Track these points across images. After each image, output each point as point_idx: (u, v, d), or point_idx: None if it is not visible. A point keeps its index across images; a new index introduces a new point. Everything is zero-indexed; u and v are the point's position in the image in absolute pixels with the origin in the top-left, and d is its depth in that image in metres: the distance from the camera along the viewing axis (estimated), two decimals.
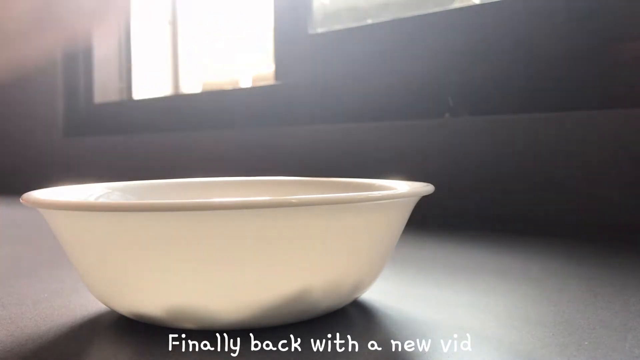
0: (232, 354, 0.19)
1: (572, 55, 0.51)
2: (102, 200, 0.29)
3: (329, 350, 0.19)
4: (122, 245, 0.20)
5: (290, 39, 0.74)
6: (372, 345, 0.20)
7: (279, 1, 0.76)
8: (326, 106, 0.67)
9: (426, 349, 0.19)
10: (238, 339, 0.20)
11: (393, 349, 0.19)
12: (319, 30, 0.73)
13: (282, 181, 0.34)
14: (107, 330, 0.22)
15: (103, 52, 0.99)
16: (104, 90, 1.00)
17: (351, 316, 0.23)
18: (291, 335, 0.21)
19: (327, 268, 0.21)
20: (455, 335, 0.21)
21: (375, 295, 0.26)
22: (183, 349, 0.20)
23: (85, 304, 0.26)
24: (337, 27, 0.71)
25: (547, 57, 0.53)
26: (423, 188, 0.23)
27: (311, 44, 0.72)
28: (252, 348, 0.20)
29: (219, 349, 0.20)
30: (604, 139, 0.49)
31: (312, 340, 0.20)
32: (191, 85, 1.00)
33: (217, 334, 0.21)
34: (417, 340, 0.20)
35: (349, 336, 0.21)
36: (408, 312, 0.24)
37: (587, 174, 0.50)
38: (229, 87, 0.86)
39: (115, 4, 0.83)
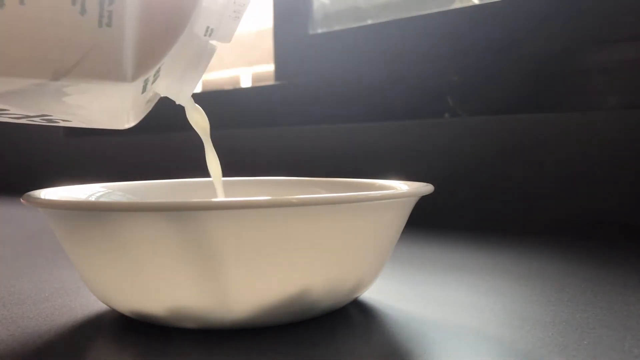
0: (232, 354, 0.19)
1: (572, 54, 0.51)
2: (102, 200, 0.29)
3: (329, 350, 0.19)
4: (122, 245, 0.20)
5: (290, 39, 0.74)
6: (372, 345, 0.20)
7: (279, 1, 0.76)
8: (326, 106, 0.67)
9: (426, 349, 0.19)
10: (238, 338, 0.20)
11: (393, 349, 0.20)
12: (319, 30, 0.73)
13: (282, 181, 0.34)
14: (107, 329, 0.22)
15: None
16: None
17: (351, 316, 0.23)
18: (291, 335, 0.21)
19: (327, 268, 0.21)
20: (455, 335, 0.21)
21: (375, 295, 0.26)
22: (183, 349, 0.20)
23: (86, 304, 0.26)
24: (337, 27, 0.71)
25: (547, 57, 0.53)
26: (423, 188, 0.23)
27: (311, 44, 0.72)
28: (253, 348, 0.20)
29: (218, 349, 0.20)
30: (604, 139, 0.49)
31: (312, 340, 0.20)
32: None
33: (218, 334, 0.21)
34: (417, 340, 0.20)
35: (349, 336, 0.21)
36: (408, 312, 0.24)
37: (587, 174, 0.50)
38: (229, 87, 0.86)
39: None
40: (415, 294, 0.27)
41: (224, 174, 0.31)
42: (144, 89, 0.21)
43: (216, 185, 0.31)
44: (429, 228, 0.47)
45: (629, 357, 0.18)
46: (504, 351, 0.19)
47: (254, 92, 0.76)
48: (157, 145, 0.83)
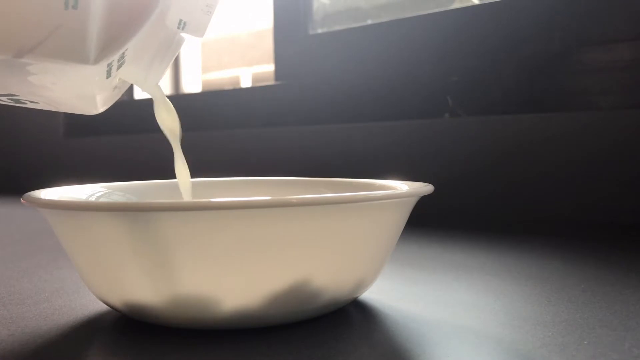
0: (231, 354, 0.19)
1: (572, 54, 0.51)
2: (102, 200, 0.29)
3: (329, 350, 0.19)
4: (122, 244, 0.20)
5: (290, 39, 0.74)
6: (372, 345, 0.20)
7: (279, 1, 0.76)
8: (326, 106, 0.67)
9: (426, 349, 0.19)
10: (238, 339, 0.20)
11: (393, 349, 0.20)
12: (319, 30, 0.73)
13: (282, 181, 0.34)
14: (107, 330, 0.22)
15: None
16: None
17: (351, 316, 0.23)
18: (291, 336, 0.21)
19: (326, 268, 0.21)
20: (455, 335, 0.21)
21: (375, 295, 0.26)
22: (182, 349, 0.20)
23: (86, 304, 0.26)
24: (337, 27, 0.71)
25: (547, 57, 0.53)
26: (423, 188, 0.23)
27: (311, 44, 0.72)
28: (252, 348, 0.20)
29: (218, 349, 0.20)
30: (604, 139, 0.49)
31: (312, 340, 0.20)
32: (191, 85, 1.00)
33: (217, 334, 0.21)
34: (417, 340, 0.20)
35: (349, 336, 0.21)
36: (408, 312, 0.24)
37: (587, 174, 0.50)
38: (229, 87, 0.86)
39: None
40: (415, 294, 0.27)
41: (225, 174, 0.30)
42: (109, 74, 0.21)
43: (184, 194, 0.29)
44: (429, 228, 0.47)
45: (629, 357, 0.18)
46: (504, 351, 0.19)
47: (254, 92, 0.76)
48: (157, 146, 0.83)
